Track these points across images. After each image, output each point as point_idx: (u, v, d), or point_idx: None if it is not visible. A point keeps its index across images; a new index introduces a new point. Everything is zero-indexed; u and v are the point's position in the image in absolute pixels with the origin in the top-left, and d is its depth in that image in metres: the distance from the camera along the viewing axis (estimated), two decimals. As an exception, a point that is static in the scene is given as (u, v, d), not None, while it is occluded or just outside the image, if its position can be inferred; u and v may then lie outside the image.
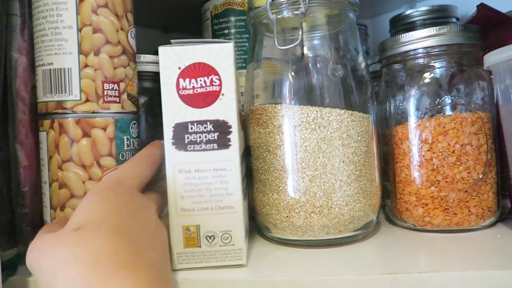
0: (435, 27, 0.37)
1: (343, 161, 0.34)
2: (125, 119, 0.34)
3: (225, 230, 0.31)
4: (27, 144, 0.34)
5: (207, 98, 0.31)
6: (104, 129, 0.33)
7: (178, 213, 0.31)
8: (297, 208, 0.34)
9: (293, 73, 0.37)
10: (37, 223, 0.35)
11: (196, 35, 0.66)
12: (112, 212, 0.26)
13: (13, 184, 0.34)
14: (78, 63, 0.33)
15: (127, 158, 0.34)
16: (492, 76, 0.36)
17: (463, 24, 0.42)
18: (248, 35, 0.47)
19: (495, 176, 0.37)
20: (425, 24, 0.55)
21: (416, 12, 0.56)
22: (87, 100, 0.33)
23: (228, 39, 0.48)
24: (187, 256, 0.31)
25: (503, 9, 0.41)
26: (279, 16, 0.35)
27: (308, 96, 0.36)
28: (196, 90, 0.31)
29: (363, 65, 0.38)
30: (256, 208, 0.38)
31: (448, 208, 0.36)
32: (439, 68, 0.38)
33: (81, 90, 0.33)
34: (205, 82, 0.30)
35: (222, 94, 0.31)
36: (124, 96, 0.34)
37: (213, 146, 0.31)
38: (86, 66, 0.33)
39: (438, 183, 0.36)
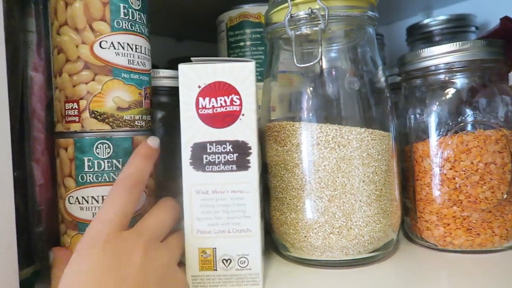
0: (457, 43, 0.36)
1: (363, 181, 0.33)
2: (85, 139, 0.32)
3: (242, 254, 0.30)
4: (42, 162, 0.34)
5: (226, 118, 0.30)
6: (66, 149, 0.33)
7: (194, 235, 0.30)
8: (315, 228, 0.33)
9: (311, 89, 0.36)
10: (53, 241, 0.35)
11: (209, 44, 0.66)
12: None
13: (29, 202, 0.34)
14: (54, 87, 0.34)
15: (88, 181, 0.32)
16: (516, 93, 0.35)
17: (486, 38, 0.41)
18: (263, 48, 0.47)
19: (520, 195, 0.36)
20: (443, 34, 0.54)
21: (434, 21, 0.55)
22: (58, 122, 0.33)
23: (244, 51, 0.47)
24: (202, 280, 0.31)
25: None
26: (297, 32, 0.35)
27: (327, 113, 0.35)
28: (216, 110, 0.30)
29: (383, 79, 0.37)
30: (273, 226, 0.37)
31: (470, 229, 0.35)
32: (461, 83, 0.37)
33: (55, 112, 0.34)
34: (225, 101, 0.30)
35: (243, 114, 0.30)
36: (86, 114, 0.32)
37: (231, 167, 0.30)
38: (56, 88, 0.33)
39: (461, 202, 0.35)
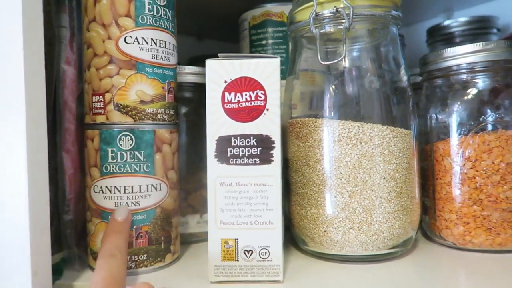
0: (480, 43, 0.36)
1: (384, 178, 0.34)
2: (110, 131, 0.33)
3: (263, 245, 0.31)
4: (72, 153, 0.35)
5: (251, 113, 0.31)
6: (92, 140, 0.34)
7: (218, 226, 0.31)
8: (335, 223, 0.34)
9: (334, 87, 0.36)
10: (80, 229, 0.36)
11: (230, 43, 0.67)
12: None
13: (59, 191, 0.35)
14: (84, 80, 0.35)
15: (111, 171, 0.33)
16: (540, 94, 0.35)
17: (509, 38, 0.41)
18: (285, 46, 0.48)
19: (541, 196, 0.36)
20: (464, 35, 0.54)
21: (455, 22, 0.55)
22: (86, 113, 0.35)
23: (266, 49, 0.48)
24: (224, 269, 0.31)
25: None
26: (322, 31, 0.35)
27: (349, 110, 0.36)
28: (241, 104, 0.31)
29: (405, 78, 0.37)
30: (293, 221, 0.38)
31: (491, 228, 0.35)
32: (483, 84, 0.37)
33: (84, 105, 0.35)
34: (250, 96, 0.31)
35: (267, 109, 0.31)
36: (110, 107, 0.33)
37: (255, 160, 0.31)
38: (85, 81, 0.35)
39: (481, 202, 0.35)
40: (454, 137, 0.37)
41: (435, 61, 0.39)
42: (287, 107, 0.40)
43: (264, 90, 0.31)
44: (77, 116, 0.36)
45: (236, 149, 0.31)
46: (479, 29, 0.54)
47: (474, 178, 0.35)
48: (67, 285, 0.32)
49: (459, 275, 0.33)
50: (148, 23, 0.34)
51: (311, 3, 0.35)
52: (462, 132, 0.36)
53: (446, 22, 0.56)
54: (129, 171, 0.33)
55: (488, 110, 0.36)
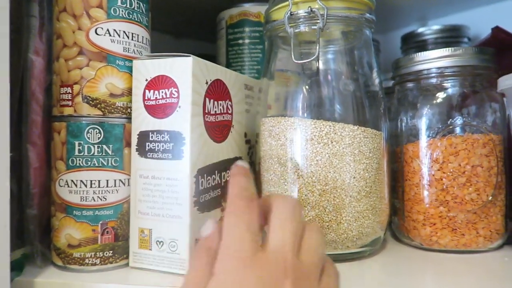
0: (449, 48, 0.37)
1: (354, 177, 0.34)
2: (77, 124, 0.32)
3: (172, 238, 0.32)
4: (39, 146, 0.34)
5: (166, 110, 0.32)
6: (59, 133, 0.33)
7: (136, 215, 0.33)
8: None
9: (307, 87, 0.37)
10: (45, 224, 0.35)
11: (208, 42, 0.66)
12: None
13: (23, 184, 0.34)
14: (53, 72, 0.34)
15: (78, 165, 0.32)
16: (505, 99, 0.37)
17: (478, 46, 0.42)
18: (262, 46, 0.48)
19: (504, 198, 0.37)
20: (437, 43, 0.55)
21: (428, 30, 0.56)
22: (54, 105, 0.34)
23: (242, 49, 0.48)
24: (141, 257, 0.33)
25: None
26: (296, 30, 0.36)
27: (321, 110, 0.36)
28: (158, 101, 0.32)
29: (377, 81, 0.38)
30: (264, 220, 0.37)
31: (456, 229, 0.36)
32: (452, 88, 0.38)
33: (53, 97, 0.34)
34: (166, 94, 0.32)
35: (179, 107, 0.32)
36: (78, 99, 0.32)
37: (168, 155, 0.32)
38: (54, 72, 0.34)
39: (447, 203, 0.36)
40: (423, 140, 0.38)
41: (406, 65, 0.39)
42: (263, 107, 0.40)
43: (177, 87, 0.32)
44: (45, 108, 0.35)
45: (153, 144, 0.32)
46: (451, 38, 0.56)
47: (441, 179, 0.36)
48: (28, 281, 0.31)
49: (423, 274, 0.33)
50: (121, 15, 0.33)
51: (286, 3, 0.35)
52: (430, 135, 0.37)
53: (420, 30, 0.58)
54: (96, 165, 0.32)
55: (456, 114, 0.37)
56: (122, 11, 0.33)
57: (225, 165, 0.37)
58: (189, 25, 0.68)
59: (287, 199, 0.26)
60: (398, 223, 0.40)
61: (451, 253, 0.37)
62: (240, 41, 0.48)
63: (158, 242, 0.32)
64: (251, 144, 0.42)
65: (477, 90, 0.38)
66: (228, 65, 0.49)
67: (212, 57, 0.52)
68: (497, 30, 0.40)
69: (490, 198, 0.36)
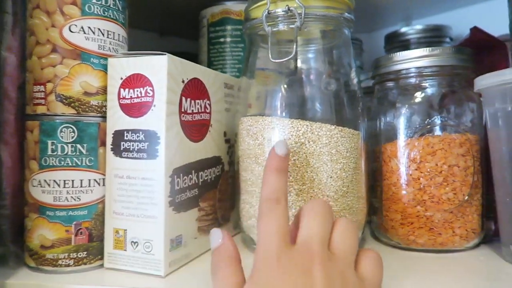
0: (428, 48, 0.37)
1: (331, 177, 0.34)
2: (51, 122, 0.32)
3: (147, 238, 0.31)
4: (11, 145, 0.34)
5: (141, 108, 0.32)
6: (32, 131, 0.32)
7: (111, 215, 0.33)
8: (283, 221, 0.34)
9: (285, 86, 0.37)
10: (18, 225, 0.35)
11: (192, 40, 0.66)
12: None
13: (-5, 184, 0.33)
14: (26, 69, 0.33)
15: (51, 164, 0.32)
16: (482, 99, 0.37)
17: (456, 46, 0.42)
18: (244, 45, 0.47)
19: (481, 198, 0.37)
20: (420, 43, 0.56)
21: (411, 30, 0.56)
22: (27, 104, 0.33)
23: (224, 47, 0.48)
24: (115, 257, 0.33)
25: (496, 33, 0.42)
26: (274, 29, 0.35)
27: (299, 109, 0.36)
28: (133, 100, 0.32)
29: (355, 81, 0.38)
30: (242, 220, 0.37)
31: (433, 228, 0.36)
32: (430, 88, 0.38)
33: (26, 95, 0.34)
34: (140, 92, 0.32)
35: (154, 105, 0.31)
36: (52, 97, 0.32)
37: (143, 155, 0.32)
38: (27, 70, 0.33)
39: (424, 202, 0.36)
40: (401, 139, 0.38)
41: (386, 64, 0.39)
42: (242, 106, 0.40)
43: (152, 86, 0.31)
44: (18, 106, 0.34)
45: (128, 143, 0.32)
46: (434, 37, 0.56)
47: (419, 179, 0.36)
48: (0, 283, 0.31)
49: (401, 274, 0.33)
50: (96, 12, 0.33)
51: (265, 1, 0.35)
52: (408, 134, 0.37)
53: (403, 30, 0.58)
54: (70, 164, 0.32)
55: (434, 114, 0.37)
56: (97, 8, 0.33)
57: (203, 165, 0.37)
58: (173, 23, 0.67)
59: (315, 200, 0.28)
60: (377, 223, 0.40)
61: (429, 252, 0.37)
62: (222, 40, 0.48)
63: (133, 243, 0.32)
64: (231, 144, 0.42)
65: (455, 90, 0.38)
66: (210, 64, 0.48)
67: (195, 56, 0.51)
68: (475, 30, 0.41)
69: (466, 197, 0.36)
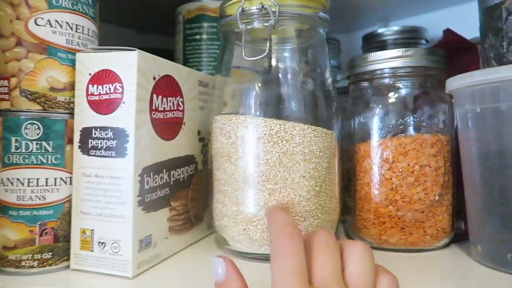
0: (401, 49, 0.38)
1: (304, 176, 0.34)
2: (15, 119, 0.31)
3: (115, 239, 0.31)
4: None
5: (110, 105, 0.31)
6: None
7: (78, 215, 0.32)
8: (255, 221, 0.34)
9: (259, 84, 0.36)
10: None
11: (171, 36, 0.65)
12: None
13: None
14: None
15: (14, 162, 0.30)
16: (453, 100, 0.37)
17: (429, 48, 0.43)
18: (220, 42, 0.47)
19: (451, 198, 0.38)
20: (396, 44, 0.56)
21: (388, 31, 0.57)
22: None
23: (200, 45, 0.47)
24: (82, 258, 0.32)
25: (468, 36, 0.43)
26: (248, 27, 0.35)
27: (273, 108, 0.35)
28: (102, 97, 0.31)
29: (330, 80, 0.38)
30: (214, 220, 0.37)
31: (404, 228, 0.36)
32: (404, 88, 0.38)
33: None
34: (109, 89, 0.31)
35: (123, 102, 0.31)
36: (16, 93, 0.31)
37: (111, 153, 0.31)
38: None
39: (396, 202, 0.36)
40: (374, 139, 0.38)
41: (360, 64, 0.39)
42: (217, 104, 0.39)
43: (121, 83, 0.31)
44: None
45: (96, 141, 0.31)
46: (410, 39, 0.57)
47: (391, 179, 0.37)
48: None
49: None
50: (64, 5, 0.32)
51: (239, -2, 0.35)
52: (382, 134, 0.38)
53: (380, 30, 0.58)
54: (35, 162, 0.31)
55: (407, 114, 0.38)
56: (65, 1, 0.32)
57: (175, 163, 0.36)
58: (152, 19, 0.66)
59: (318, 233, 0.25)
60: (350, 222, 0.41)
61: (400, 251, 0.37)
62: (198, 37, 0.47)
63: (100, 243, 0.31)
64: (205, 142, 0.41)
65: (428, 91, 0.39)
66: (185, 61, 0.48)
67: (172, 52, 0.51)
68: (448, 32, 0.41)
69: (437, 197, 0.36)
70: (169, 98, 0.35)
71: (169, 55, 0.52)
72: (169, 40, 0.72)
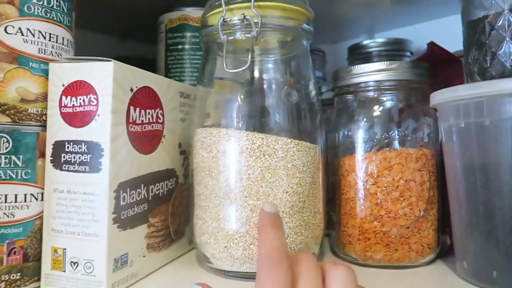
0: (385, 62, 0.37)
1: (287, 192, 0.33)
2: None
3: (88, 258, 0.29)
4: None
5: (84, 118, 0.30)
6: None
7: (49, 233, 0.30)
8: (236, 238, 0.32)
9: (242, 96, 0.35)
10: None
11: (154, 45, 0.64)
12: None
13: None
14: None
15: None
16: (437, 114, 0.37)
17: (413, 61, 0.42)
18: (202, 52, 0.46)
19: (436, 213, 0.37)
20: (381, 55, 0.56)
21: (373, 43, 0.57)
22: None
23: (182, 54, 0.46)
24: (53, 279, 0.30)
25: (453, 48, 0.43)
26: (230, 37, 0.34)
27: (255, 121, 0.34)
28: (76, 109, 0.30)
29: (314, 92, 0.37)
30: (195, 236, 0.36)
31: (389, 244, 0.36)
32: (388, 102, 0.38)
33: None
34: (84, 101, 0.30)
35: (98, 115, 0.29)
36: None
37: (85, 168, 0.30)
38: None
39: (381, 217, 0.36)
40: (359, 153, 0.37)
41: (344, 77, 0.39)
42: (199, 116, 0.38)
43: (96, 94, 0.30)
44: None
45: (69, 155, 0.30)
46: (395, 51, 0.57)
47: (376, 194, 0.36)
48: None
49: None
50: (36, 13, 0.30)
51: (222, 8, 0.34)
52: (366, 148, 0.37)
53: (365, 42, 0.58)
54: (3, 177, 0.29)
55: (392, 128, 0.37)
56: (38, 9, 0.30)
57: (154, 178, 0.35)
58: (135, 27, 0.65)
59: (300, 254, 0.25)
60: (335, 237, 0.40)
61: (385, 268, 0.36)
62: (180, 47, 0.46)
63: (72, 263, 0.30)
64: (186, 155, 0.40)
65: (412, 104, 0.38)
66: (167, 71, 0.47)
67: (154, 62, 0.50)
68: (432, 45, 0.41)
69: (422, 213, 0.36)
70: (147, 110, 0.33)
71: (151, 64, 0.51)
72: (152, 48, 0.71)
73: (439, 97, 0.34)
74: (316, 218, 0.35)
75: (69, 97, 0.30)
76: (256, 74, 0.36)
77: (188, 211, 0.40)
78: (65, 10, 0.33)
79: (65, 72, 0.30)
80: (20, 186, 0.30)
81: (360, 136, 0.38)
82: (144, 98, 0.33)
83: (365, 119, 0.38)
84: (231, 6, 0.34)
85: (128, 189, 0.31)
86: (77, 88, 0.30)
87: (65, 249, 0.30)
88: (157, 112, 0.35)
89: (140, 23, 0.62)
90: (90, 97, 0.29)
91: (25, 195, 0.30)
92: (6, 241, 0.29)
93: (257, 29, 0.32)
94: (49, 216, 0.30)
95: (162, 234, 0.36)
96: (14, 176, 0.29)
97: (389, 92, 0.38)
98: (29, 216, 0.30)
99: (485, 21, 0.32)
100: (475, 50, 0.33)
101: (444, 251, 0.39)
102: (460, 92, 0.31)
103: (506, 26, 0.31)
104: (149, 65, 0.50)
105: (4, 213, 0.29)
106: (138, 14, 0.58)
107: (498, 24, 0.31)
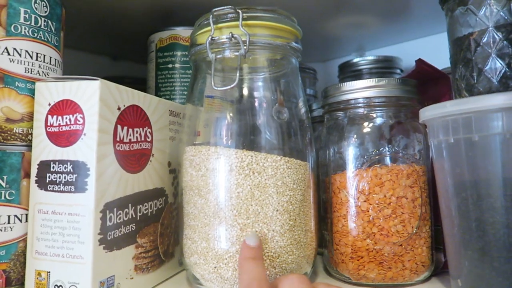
0: (374, 79, 0.37)
1: (277, 210, 0.32)
2: None
3: (73, 281, 0.29)
4: None
5: (70, 137, 0.29)
6: None
7: (33, 255, 0.29)
8: (226, 258, 0.32)
9: (231, 114, 0.35)
10: None
11: (144, 65, 0.64)
12: None
13: None
14: None
15: None
16: (427, 130, 0.37)
17: (402, 77, 0.43)
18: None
19: (429, 230, 0.37)
20: (371, 73, 0.56)
21: (363, 60, 0.57)
22: None
23: (172, 73, 0.46)
24: None
25: (442, 65, 0.43)
26: (219, 56, 0.34)
27: (245, 139, 0.34)
28: (62, 128, 0.30)
29: (303, 110, 0.37)
30: (184, 256, 0.35)
31: (383, 262, 0.35)
32: (378, 118, 0.38)
33: None
34: (70, 120, 0.30)
35: (84, 134, 0.29)
36: None
37: (70, 188, 0.29)
38: None
39: (374, 235, 0.35)
40: (350, 170, 0.37)
41: (334, 94, 0.39)
42: (189, 134, 0.38)
43: (83, 113, 0.29)
44: None
45: (54, 175, 0.29)
46: (384, 68, 0.57)
47: (368, 211, 0.35)
48: None
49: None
50: (23, 33, 0.30)
51: (210, 27, 0.34)
52: (357, 165, 0.37)
53: (355, 60, 0.59)
54: (-14, 199, 0.29)
55: (382, 145, 0.37)
56: (25, 28, 0.30)
57: (142, 197, 0.34)
58: (126, 48, 0.65)
59: (290, 276, 0.27)
60: (328, 256, 0.39)
61: (379, 287, 0.36)
62: (170, 66, 0.46)
63: (56, 286, 0.29)
64: (176, 174, 0.39)
65: (402, 120, 0.38)
66: (157, 89, 0.47)
67: (145, 81, 0.49)
68: (420, 62, 0.41)
69: (415, 230, 0.35)
70: (135, 129, 0.33)
71: (142, 83, 0.51)
72: (144, 68, 0.71)
73: (428, 113, 0.34)
74: (307, 237, 0.34)
75: (55, 116, 0.30)
76: (245, 92, 0.36)
77: (178, 231, 0.39)
78: (53, 30, 0.33)
79: (51, 91, 0.30)
80: (3, 207, 0.29)
81: (350, 153, 0.37)
82: (132, 117, 0.33)
83: (355, 136, 0.38)
84: (220, 25, 0.34)
85: (115, 209, 0.31)
86: (63, 107, 0.29)
87: (49, 272, 0.29)
88: (146, 131, 0.35)
89: (131, 43, 0.63)
90: (76, 116, 0.29)
91: (9, 216, 0.29)
92: (-12, 265, 0.28)
93: (245, 47, 0.33)
94: (33, 238, 0.29)
95: (151, 255, 0.35)
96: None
97: (379, 108, 0.38)
98: (13, 238, 0.29)
99: (470, 38, 0.32)
100: (462, 67, 0.33)
101: (439, 269, 0.38)
102: (448, 108, 0.31)
103: (491, 42, 0.31)
104: (143, 84, 0.50)
105: (-14, 235, 0.28)
106: (129, 34, 0.59)
107: (484, 41, 0.32)
